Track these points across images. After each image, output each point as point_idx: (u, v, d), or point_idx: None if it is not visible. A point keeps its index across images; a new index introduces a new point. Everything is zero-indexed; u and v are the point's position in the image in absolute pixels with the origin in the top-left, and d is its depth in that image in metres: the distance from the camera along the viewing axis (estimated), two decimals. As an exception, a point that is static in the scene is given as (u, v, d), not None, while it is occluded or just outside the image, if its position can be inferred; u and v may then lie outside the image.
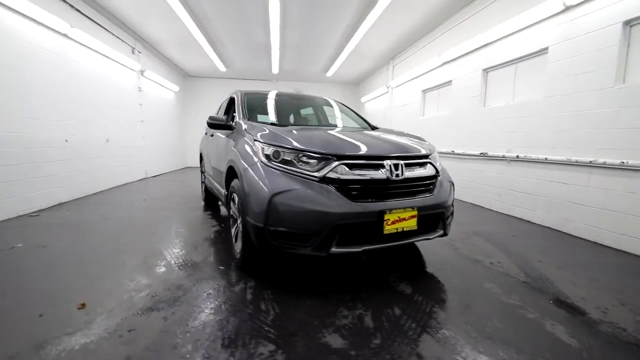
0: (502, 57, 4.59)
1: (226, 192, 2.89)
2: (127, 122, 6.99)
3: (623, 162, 2.96)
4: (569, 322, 1.83)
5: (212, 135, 3.83)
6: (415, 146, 2.42)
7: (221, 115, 3.33)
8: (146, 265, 2.50)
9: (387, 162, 2.13)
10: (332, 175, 2.00)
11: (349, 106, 4.07)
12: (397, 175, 2.12)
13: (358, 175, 2.04)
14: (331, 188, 1.98)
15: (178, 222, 3.86)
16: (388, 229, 2.03)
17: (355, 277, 2.39)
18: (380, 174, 2.09)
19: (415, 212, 2.12)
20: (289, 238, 1.97)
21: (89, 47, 5.42)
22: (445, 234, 2.37)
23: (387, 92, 9.13)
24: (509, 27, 4.32)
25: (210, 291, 2.12)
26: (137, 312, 1.83)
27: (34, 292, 2.04)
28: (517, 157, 4.22)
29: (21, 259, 2.60)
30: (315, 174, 2.00)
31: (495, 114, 4.74)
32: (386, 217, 2.01)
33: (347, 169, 2.03)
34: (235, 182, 2.45)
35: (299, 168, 2.04)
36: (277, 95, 3.73)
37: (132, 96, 7.28)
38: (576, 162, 3.42)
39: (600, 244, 3.18)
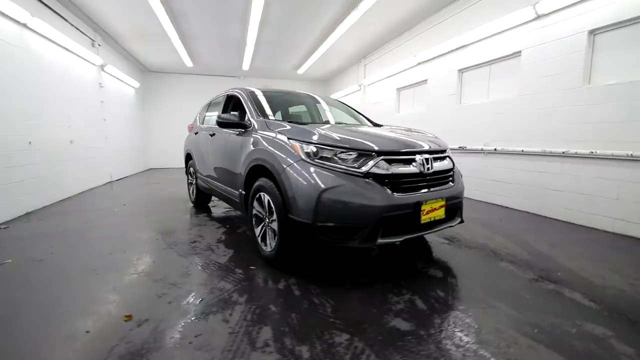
0: (477, 59, 5.01)
1: (244, 192, 2.84)
2: (89, 121, 6.40)
3: (592, 152, 3.44)
4: (581, 288, 2.13)
5: (211, 135, 3.69)
6: (437, 142, 2.60)
7: (220, 114, 3.17)
8: (173, 271, 2.39)
9: (418, 157, 2.27)
10: (375, 170, 2.09)
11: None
12: (427, 169, 2.28)
13: (396, 169, 2.16)
14: (374, 182, 2.07)
15: (176, 226, 3.67)
16: (424, 218, 2.18)
17: (385, 268, 2.51)
18: (414, 168, 2.23)
19: (443, 202, 2.30)
20: (337, 232, 2.03)
21: (49, 39, 4.87)
22: (462, 221, 2.59)
23: (359, 89, 9.39)
24: (484, 32, 4.74)
25: (255, 290, 2.10)
26: (193, 317, 1.77)
27: (60, 309, 1.86)
28: (495, 149, 4.67)
29: (21, 274, 2.33)
30: (359, 169, 2.08)
31: (472, 111, 5.17)
32: (422, 207, 2.16)
33: (387, 164, 2.14)
34: (263, 181, 2.43)
35: (341, 164, 2.10)
36: (284, 93, 3.72)
37: (94, 93, 6.67)
38: (550, 153, 3.89)
39: (574, 224, 3.67)
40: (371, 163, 2.09)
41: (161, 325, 1.69)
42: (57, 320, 1.75)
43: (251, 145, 2.71)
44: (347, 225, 2.01)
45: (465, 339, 1.59)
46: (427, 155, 2.32)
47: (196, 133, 4.44)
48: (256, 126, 2.83)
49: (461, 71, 5.42)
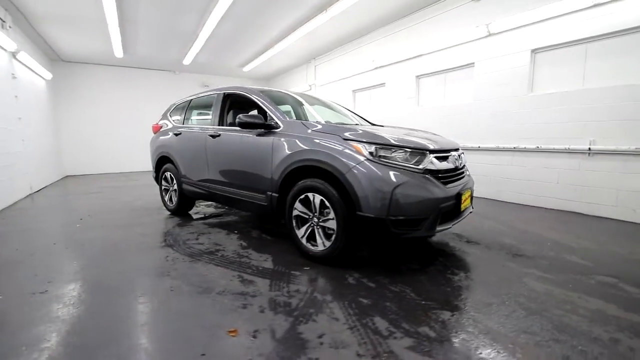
0: (434, 67, 5.71)
1: (276, 195, 2.79)
2: (2, 120, 5.17)
3: (538, 147, 4.34)
4: (577, 251, 2.76)
5: (213, 136, 3.44)
6: (454, 141, 2.99)
7: (240, 115, 2.94)
8: (231, 281, 2.24)
9: (452, 154, 2.61)
10: (430, 166, 2.34)
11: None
12: (459, 164, 2.64)
13: (442, 165, 2.45)
14: (430, 177, 2.32)
15: (176, 236, 3.34)
16: (462, 206, 2.53)
17: (416, 253, 2.80)
18: (450, 164, 2.56)
19: (470, 192, 2.69)
20: (406, 224, 2.22)
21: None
22: (472, 209, 3.04)
23: (309, 89, 9.58)
24: (441, 44, 5.44)
25: (331, 288, 2.14)
26: (302, 320, 1.75)
27: (147, 334, 1.62)
28: (455, 146, 5.42)
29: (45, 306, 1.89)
30: (418, 166, 2.30)
31: (430, 113, 5.87)
32: (462, 197, 2.50)
33: (437, 161, 2.41)
34: (315, 182, 2.45)
35: (401, 162, 2.28)
36: (291, 94, 3.68)
37: (6, 85, 5.40)
38: (503, 148, 4.73)
39: (525, 205, 4.56)
40: (427, 160, 2.34)
41: (273, 334, 1.64)
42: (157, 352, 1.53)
43: (286, 147, 2.68)
44: (414, 217, 2.22)
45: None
46: (456, 153, 2.68)
47: (177, 134, 4.04)
48: (285, 127, 2.81)
49: (419, 77, 6.09)
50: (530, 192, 4.51)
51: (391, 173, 2.21)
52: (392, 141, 2.33)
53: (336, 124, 2.96)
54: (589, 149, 3.85)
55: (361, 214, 2.23)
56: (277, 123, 2.87)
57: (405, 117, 6.28)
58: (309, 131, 2.66)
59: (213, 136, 3.45)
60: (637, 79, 3.49)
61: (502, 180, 4.84)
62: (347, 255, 2.48)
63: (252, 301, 1.98)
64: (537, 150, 4.37)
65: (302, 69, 9.96)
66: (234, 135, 3.25)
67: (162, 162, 4.42)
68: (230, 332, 1.65)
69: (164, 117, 4.65)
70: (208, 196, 3.68)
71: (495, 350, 1.50)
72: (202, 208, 4.72)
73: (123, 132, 10.01)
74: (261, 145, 2.90)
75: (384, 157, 2.28)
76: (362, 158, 2.27)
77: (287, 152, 2.67)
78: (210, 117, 3.73)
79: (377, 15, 6.09)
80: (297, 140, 2.65)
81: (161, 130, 4.54)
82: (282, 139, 2.75)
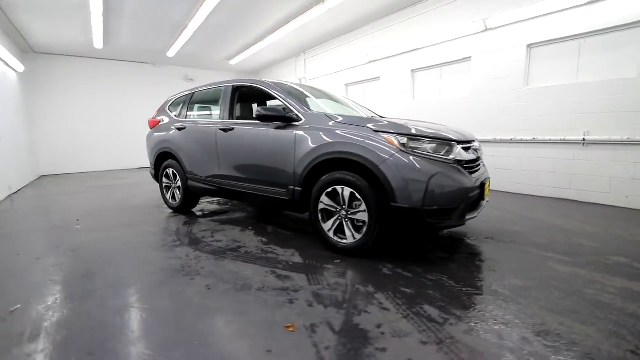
0: (430, 61, 5.81)
1: (299, 189, 2.76)
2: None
3: (534, 138, 4.54)
4: (584, 236, 2.92)
5: (225, 130, 3.33)
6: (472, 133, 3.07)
7: (259, 107, 2.87)
8: (266, 278, 2.20)
9: (473, 145, 2.68)
10: (458, 157, 2.39)
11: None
12: (480, 155, 2.72)
13: (467, 156, 2.51)
14: (459, 167, 2.38)
15: (188, 235, 3.23)
16: (485, 195, 2.61)
17: (440, 244, 2.87)
18: (473, 155, 2.63)
19: (489, 182, 2.78)
20: (439, 214, 2.26)
21: None
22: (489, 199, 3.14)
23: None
24: (437, 38, 5.54)
25: (370, 279, 2.16)
26: (356, 315, 1.75)
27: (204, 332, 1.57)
28: (452, 139, 5.56)
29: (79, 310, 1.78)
30: (448, 157, 2.34)
31: (425, 106, 5.98)
32: (485, 186, 2.58)
33: (463, 151, 2.46)
34: (345, 174, 2.44)
35: (432, 153, 2.32)
36: (297, 87, 3.61)
37: (-21, 77, 4.97)
38: (500, 140, 4.91)
39: (522, 194, 4.77)
40: (455, 151, 2.39)
41: (335, 327, 1.64)
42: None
43: (310, 140, 2.65)
44: (446, 207, 2.26)
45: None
46: (475, 144, 2.75)
47: (181, 129, 3.89)
48: (308, 119, 2.77)
49: (414, 71, 6.17)
50: (527, 182, 4.72)
51: (425, 164, 2.24)
52: (423, 132, 2.36)
53: (357, 116, 2.94)
54: (584, 139, 4.07)
55: (396, 205, 2.25)
56: (298, 116, 2.82)
57: (401, 111, 6.36)
58: (332, 123, 2.65)
59: (225, 130, 3.35)
60: (628, 73, 3.72)
61: (499, 170, 5.02)
62: (379, 247, 2.50)
63: (297, 296, 1.95)
64: (534, 142, 4.57)
65: (291, 62, 9.83)
66: (249, 129, 3.17)
67: (162, 159, 4.24)
68: (287, 327, 1.63)
69: (162, 111, 4.46)
70: (218, 192, 3.57)
71: (547, 330, 1.57)
72: (204, 205, 4.59)
73: (102, 128, 9.51)
74: (282, 139, 2.85)
75: (416, 148, 2.30)
76: (395, 150, 2.28)
77: (312, 145, 2.64)
78: (218, 110, 3.62)
79: (373, 8, 6.09)
80: (321, 133, 2.63)
81: (160, 125, 4.35)
82: (306, 132, 2.71)
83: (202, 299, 1.93)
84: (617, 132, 3.82)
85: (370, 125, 2.46)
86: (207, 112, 4.08)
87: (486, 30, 4.91)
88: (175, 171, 4.02)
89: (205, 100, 4.03)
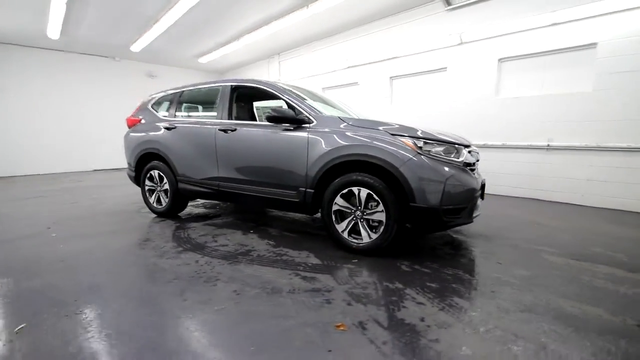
0: (408, 69, 6.13)
1: (311, 191, 2.77)
2: None
3: (504, 144, 5.00)
4: (558, 230, 3.29)
5: (225, 131, 3.22)
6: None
7: (272, 108, 2.81)
8: (281, 279, 2.18)
9: (473, 148, 2.91)
10: (466, 160, 2.58)
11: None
12: (478, 159, 2.95)
13: (471, 159, 2.71)
14: (467, 169, 2.57)
15: (184, 240, 3.07)
16: (483, 195, 2.84)
17: (441, 243, 3.06)
18: (472, 157, 2.84)
19: (484, 184, 3.03)
20: (452, 213, 2.42)
21: None
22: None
23: (273, 85, 9.38)
24: (416, 48, 5.87)
25: (394, 277, 2.24)
26: (386, 309, 1.82)
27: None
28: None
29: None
30: (458, 159, 2.52)
31: (403, 112, 6.29)
32: (484, 187, 2.81)
33: (469, 155, 2.66)
34: (362, 176, 2.50)
35: (445, 156, 2.48)
36: (294, 88, 3.60)
37: None
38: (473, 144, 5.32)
39: (492, 194, 5.21)
40: (463, 154, 2.57)
41: (382, 323, 1.69)
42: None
43: (325, 143, 2.68)
44: (458, 206, 2.43)
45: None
46: (475, 148, 2.98)
47: (170, 128, 3.68)
48: (319, 121, 2.80)
49: (393, 78, 6.46)
50: (497, 183, 5.17)
51: (441, 166, 2.39)
52: (437, 137, 2.52)
53: (367, 119, 3.00)
54: (548, 145, 4.59)
55: (415, 205, 2.37)
56: (309, 118, 2.84)
57: (380, 116, 6.61)
58: (343, 126, 2.71)
59: (225, 131, 3.24)
60: (585, 88, 4.28)
61: (473, 173, 5.43)
62: (395, 246, 2.60)
63: (331, 296, 1.97)
64: (503, 147, 5.04)
65: (263, 64, 9.72)
66: (254, 131, 3.10)
67: (145, 160, 3.97)
68: (338, 326, 1.65)
69: (143, 109, 4.17)
70: (215, 195, 3.44)
71: (565, 312, 1.78)
72: (189, 209, 4.36)
73: (50, 127, 8.59)
74: (293, 141, 2.84)
75: (431, 151, 2.45)
76: (413, 152, 2.40)
77: (327, 147, 2.66)
78: (214, 110, 3.49)
79: (357, 14, 6.26)
80: (336, 136, 2.67)
81: (141, 123, 4.07)
82: (319, 135, 2.73)
83: (236, 305, 1.87)
84: (575, 139, 4.37)
85: (384, 128, 2.56)
86: (202, 112, 3.91)
87: (461, 43, 5.32)
88: (161, 173, 3.78)
89: (198, 99, 3.86)
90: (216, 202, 4.75)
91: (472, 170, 2.73)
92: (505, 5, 4.79)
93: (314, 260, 2.56)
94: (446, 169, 2.39)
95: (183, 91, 3.87)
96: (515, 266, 2.43)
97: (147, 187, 3.99)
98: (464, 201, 2.45)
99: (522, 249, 2.81)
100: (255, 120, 3.47)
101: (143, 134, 3.96)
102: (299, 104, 2.94)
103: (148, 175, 3.94)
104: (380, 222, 2.52)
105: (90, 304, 1.88)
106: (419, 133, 2.51)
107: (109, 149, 9.46)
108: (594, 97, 4.18)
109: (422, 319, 1.72)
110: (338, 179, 2.64)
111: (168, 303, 1.90)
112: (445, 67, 5.61)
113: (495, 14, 4.89)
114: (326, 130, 2.73)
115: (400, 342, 1.53)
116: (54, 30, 6.63)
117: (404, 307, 1.84)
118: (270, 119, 2.84)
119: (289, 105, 2.97)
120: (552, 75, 4.58)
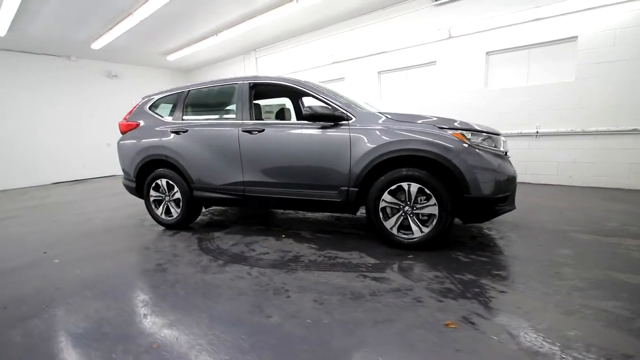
0: (397, 64, 6.25)
1: (355, 189, 2.71)
2: None
3: (496, 132, 5.30)
4: (567, 210, 3.57)
5: (253, 132, 3.02)
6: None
7: (311, 106, 2.69)
8: (352, 283, 2.12)
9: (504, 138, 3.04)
10: (505, 149, 2.69)
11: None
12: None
13: (507, 147, 2.83)
14: (507, 157, 2.67)
15: (217, 252, 2.86)
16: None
17: (474, 230, 3.17)
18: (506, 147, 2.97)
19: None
20: (501, 201, 2.51)
21: None
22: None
23: (250, 83, 9.05)
24: (404, 43, 5.99)
25: (461, 269, 2.27)
26: (478, 301, 1.85)
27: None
28: (421, 135, 6.10)
29: None
30: (500, 149, 2.61)
31: (392, 105, 6.40)
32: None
33: (505, 143, 2.77)
34: (413, 171, 2.50)
35: (490, 147, 2.56)
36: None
37: None
38: (467, 134, 5.59)
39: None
40: (503, 144, 2.68)
41: (486, 315, 1.71)
42: None
43: (368, 139, 2.63)
44: (505, 194, 2.52)
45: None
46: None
47: (181, 132, 3.37)
48: (360, 118, 2.74)
49: (381, 72, 6.54)
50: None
51: (490, 156, 2.46)
52: (482, 128, 2.59)
53: (404, 113, 2.96)
54: (537, 132, 4.95)
55: (469, 196, 2.42)
56: (347, 115, 2.77)
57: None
58: (382, 121, 2.69)
59: (250, 131, 3.05)
60: (568, 78, 4.67)
61: (468, 161, 5.70)
62: (444, 239, 2.63)
63: (416, 294, 1.95)
64: (496, 135, 5.33)
65: (238, 60, 9.33)
66: (287, 130, 2.96)
67: (149, 168, 3.62)
68: (447, 325, 1.63)
69: (140, 112, 3.79)
70: (240, 201, 3.23)
71: (620, 284, 1.93)
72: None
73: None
74: (334, 139, 2.75)
75: (477, 142, 2.51)
76: (464, 144, 2.45)
77: (372, 144, 2.61)
78: (230, 110, 3.28)
79: (341, 9, 6.22)
80: (379, 132, 2.63)
81: (140, 128, 3.70)
82: (361, 132, 2.67)
83: (329, 315, 1.77)
84: (562, 125, 4.76)
85: (425, 122, 2.59)
86: (215, 113, 3.63)
87: (450, 37, 5.53)
88: (171, 181, 3.47)
89: (209, 99, 3.59)
90: (223, 208, 4.48)
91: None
92: (491, 0, 5.05)
93: (370, 260, 2.51)
94: (494, 159, 2.47)
95: (189, 91, 3.57)
96: (556, 247, 2.59)
97: (152, 198, 3.64)
98: (509, 189, 2.55)
99: (550, 231, 2.99)
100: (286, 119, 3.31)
101: (145, 140, 3.60)
102: (336, 100, 2.85)
103: (153, 184, 3.59)
104: (430, 215, 2.54)
105: (177, 342, 1.67)
106: (457, 124, 2.57)
107: (68, 159, 8.54)
108: (576, 86, 4.58)
109: (519, 307, 1.76)
110: (385, 176, 2.61)
111: (260, 325, 1.73)
112: (435, 61, 5.80)
113: (481, 8, 5.14)
114: (368, 126, 2.68)
115: (518, 332, 1.55)
116: (2, 26, 5.75)
117: (492, 297, 1.87)
118: (308, 117, 2.72)
119: (324, 102, 2.87)
120: (537, 67, 4.93)
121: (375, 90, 6.62)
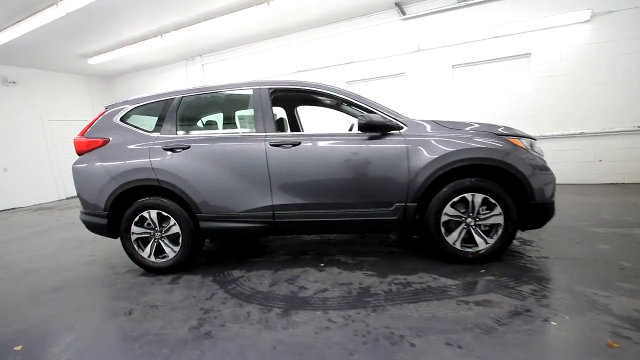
0: (366, 74, 6.29)
1: (414, 204, 2.48)
2: None
3: (466, 138, 5.70)
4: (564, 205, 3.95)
5: (282, 146, 2.54)
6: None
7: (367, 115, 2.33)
8: (452, 313, 1.88)
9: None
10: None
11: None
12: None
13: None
14: (545, 162, 2.78)
15: (252, 295, 2.30)
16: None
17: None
18: None
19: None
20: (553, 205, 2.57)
21: None
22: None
23: (195, 92, 8.10)
24: (373, 54, 6.07)
25: (544, 278, 2.23)
26: (593, 314, 1.79)
27: None
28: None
29: None
30: (540, 153, 2.69)
31: (364, 115, 6.41)
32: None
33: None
34: (478, 182, 2.39)
35: (538, 152, 2.60)
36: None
37: None
38: (439, 141, 5.89)
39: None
40: (539, 149, 2.77)
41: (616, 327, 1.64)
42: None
43: (427, 150, 2.44)
44: (554, 198, 2.60)
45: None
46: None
47: (175, 149, 2.67)
48: (411, 127, 2.56)
49: (349, 82, 6.50)
50: (463, 174, 5.86)
51: (544, 162, 2.51)
52: (530, 135, 2.63)
53: (447, 120, 2.84)
54: (502, 137, 5.46)
55: (535, 203, 2.41)
56: (399, 124, 2.54)
57: (335, 120, 6.55)
58: (430, 129, 2.56)
59: (280, 145, 2.56)
60: (525, 89, 5.29)
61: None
62: (505, 249, 2.57)
63: (540, 314, 1.80)
64: (466, 141, 5.73)
65: (179, 66, 8.28)
66: (330, 143, 2.58)
67: (129, 198, 2.78)
68: (610, 345, 1.51)
69: (106, 126, 2.91)
70: (269, 229, 2.68)
71: (698, 272, 2.13)
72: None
73: None
74: (389, 151, 2.48)
75: (530, 148, 2.54)
76: (525, 151, 2.44)
77: (432, 155, 2.42)
78: (246, 121, 2.74)
79: (306, 17, 5.99)
80: (435, 142, 2.47)
81: (110, 146, 2.83)
82: (417, 142, 2.47)
83: (472, 354, 1.48)
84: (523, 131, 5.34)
85: (480, 129, 2.53)
86: (227, 125, 2.99)
87: (419, 50, 5.79)
88: (165, 212, 2.72)
89: (213, 107, 2.95)
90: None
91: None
92: (456, 18, 5.46)
93: (447, 281, 2.30)
94: (546, 164, 2.53)
95: (182, 98, 2.87)
96: (594, 243, 2.76)
97: (135, 237, 2.79)
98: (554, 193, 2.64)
99: (575, 228, 3.15)
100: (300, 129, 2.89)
101: (122, 161, 2.75)
102: (383, 109, 2.60)
103: (137, 219, 2.76)
104: (493, 226, 2.47)
105: None
106: (501, 129, 2.58)
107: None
108: (532, 97, 5.22)
109: (637, 310, 1.75)
110: (447, 187, 2.45)
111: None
112: (404, 72, 6.00)
113: (447, 25, 5.52)
114: (422, 136, 2.50)
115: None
116: None
117: (608, 306, 1.83)
118: (363, 127, 2.41)
119: (368, 111, 2.58)
120: (497, 79, 5.48)
121: (344, 100, 6.53)
